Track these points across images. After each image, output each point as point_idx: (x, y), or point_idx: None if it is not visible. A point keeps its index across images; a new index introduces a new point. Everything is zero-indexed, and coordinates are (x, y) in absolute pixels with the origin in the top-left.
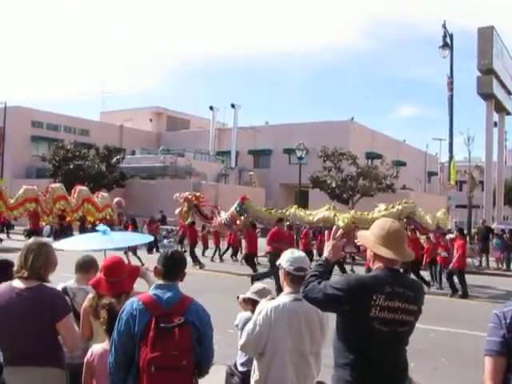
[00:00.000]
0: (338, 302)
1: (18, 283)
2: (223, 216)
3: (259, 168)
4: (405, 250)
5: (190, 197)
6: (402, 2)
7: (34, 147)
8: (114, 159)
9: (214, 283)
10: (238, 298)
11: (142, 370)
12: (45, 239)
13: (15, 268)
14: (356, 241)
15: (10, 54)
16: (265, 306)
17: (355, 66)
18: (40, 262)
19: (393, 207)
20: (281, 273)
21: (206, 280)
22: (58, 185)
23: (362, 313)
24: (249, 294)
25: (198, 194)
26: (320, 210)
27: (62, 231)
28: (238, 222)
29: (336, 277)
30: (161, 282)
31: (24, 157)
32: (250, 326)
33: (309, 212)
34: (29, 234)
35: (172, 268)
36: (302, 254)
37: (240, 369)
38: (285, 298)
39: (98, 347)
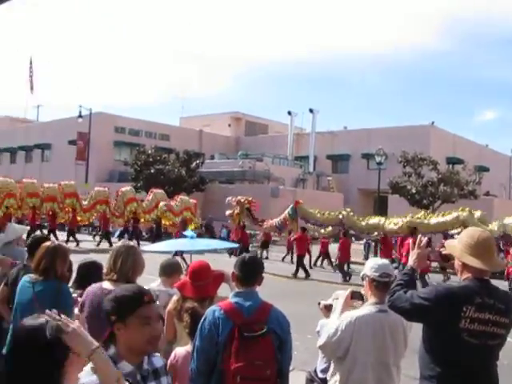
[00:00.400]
0: (425, 313)
1: (107, 285)
2: (275, 219)
3: (337, 173)
4: (494, 259)
5: (242, 200)
6: None
7: (116, 152)
8: (194, 164)
9: (291, 288)
10: (319, 304)
11: (226, 379)
12: (132, 242)
13: (105, 270)
14: (441, 249)
15: (94, 61)
16: (349, 314)
17: (434, 66)
18: (128, 265)
19: (449, 213)
20: (365, 283)
21: (285, 284)
22: (127, 188)
23: (450, 324)
24: (331, 301)
25: (250, 198)
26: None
27: (137, 232)
28: (288, 225)
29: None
30: (240, 289)
31: (107, 161)
32: (331, 329)
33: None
34: (104, 236)
35: (249, 273)
36: (386, 261)
37: (320, 375)
38: (370, 308)
39: (182, 350)
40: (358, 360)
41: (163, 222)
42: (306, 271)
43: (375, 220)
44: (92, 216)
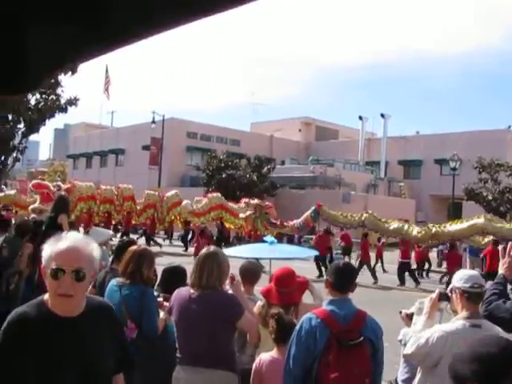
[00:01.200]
0: None
1: (194, 290)
2: (296, 220)
3: (409, 179)
4: None
5: (262, 205)
6: None
7: (188, 157)
8: (265, 169)
9: (363, 295)
10: (400, 312)
11: None
12: (216, 249)
13: (191, 281)
14: None
15: (167, 67)
16: (441, 327)
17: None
18: (214, 276)
19: (467, 221)
20: (455, 296)
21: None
22: (173, 192)
23: None
24: (413, 309)
25: (266, 203)
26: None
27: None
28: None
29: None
30: (333, 296)
31: (179, 166)
32: (422, 340)
33: (384, 220)
34: (147, 239)
35: (344, 280)
36: (475, 271)
37: None
38: (462, 322)
39: (267, 355)
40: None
41: (227, 225)
42: (320, 271)
43: (399, 225)
44: (143, 219)
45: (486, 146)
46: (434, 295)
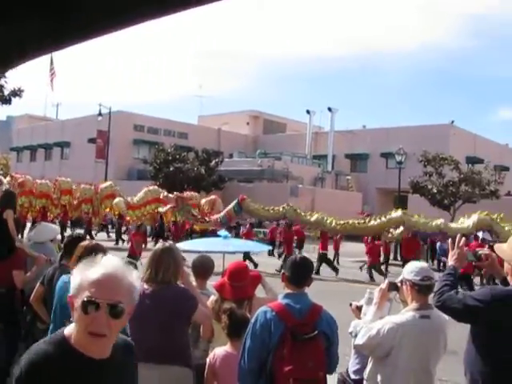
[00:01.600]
0: (478, 314)
1: (147, 285)
2: (218, 215)
3: (356, 172)
4: None
5: (184, 197)
6: None
7: (135, 150)
8: (213, 162)
9: (312, 288)
10: (350, 305)
11: (278, 381)
12: (171, 244)
13: (145, 276)
14: (479, 250)
15: (112, 59)
16: (391, 319)
17: (458, 67)
18: (170, 271)
19: (384, 216)
20: (405, 287)
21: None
22: (107, 184)
23: (505, 324)
24: (363, 302)
25: (187, 195)
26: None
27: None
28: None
29: None
30: (290, 290)
31: (126, 159)
32: (373, 331)
33: (303, 213)
34: (86, 233)
35: (300, 274)
36: (425, 264)
37: (352, 376)
38: (412, 314)
39: (221, 350)
40: (400, 366)
41: (167, 219)
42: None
43: (319, 217)
44: (77, 214)
45: (430, 140)
46: (383, 285)
